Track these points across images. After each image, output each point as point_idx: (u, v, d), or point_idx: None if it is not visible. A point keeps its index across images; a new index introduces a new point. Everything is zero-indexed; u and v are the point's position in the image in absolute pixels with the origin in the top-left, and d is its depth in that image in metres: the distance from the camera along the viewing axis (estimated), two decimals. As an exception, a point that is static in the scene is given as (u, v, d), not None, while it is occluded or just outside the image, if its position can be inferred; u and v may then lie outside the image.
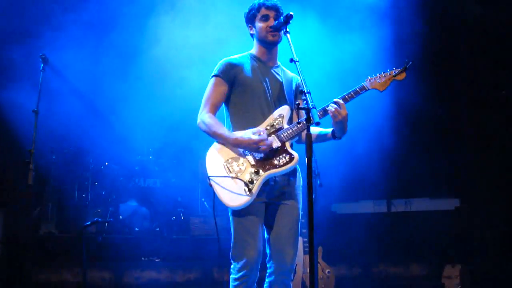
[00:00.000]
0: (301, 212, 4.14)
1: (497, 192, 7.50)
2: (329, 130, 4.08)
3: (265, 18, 4.15)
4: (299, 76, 3.60)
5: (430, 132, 8.25)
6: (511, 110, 7.43)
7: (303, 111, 3.42)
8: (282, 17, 3.91)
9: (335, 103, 3.88)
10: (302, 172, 4.17)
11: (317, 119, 3.28)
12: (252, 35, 4.32)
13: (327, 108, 3.89)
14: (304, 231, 6.49)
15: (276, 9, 4.16)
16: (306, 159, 3.29)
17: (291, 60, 3.68)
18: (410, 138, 8.27)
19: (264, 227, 4.07)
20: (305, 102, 3.41)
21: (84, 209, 8.10)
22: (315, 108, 3.37)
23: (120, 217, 7.99)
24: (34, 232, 7.39)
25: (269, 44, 4.21)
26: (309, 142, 3.29)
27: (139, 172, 8.42)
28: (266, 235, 4.09)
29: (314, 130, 4.12)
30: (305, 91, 3.44)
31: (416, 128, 8.25)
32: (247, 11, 4.27)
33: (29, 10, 7.72)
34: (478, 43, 7.84)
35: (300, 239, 6.59)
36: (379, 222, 8.45)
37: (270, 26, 4.09)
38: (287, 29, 3.86)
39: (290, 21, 3.86)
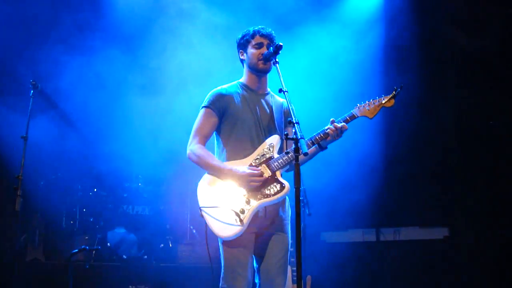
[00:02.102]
0: (290, 242, 4.13)
1: (486, 221, 7.51)
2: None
3: (259, 45, 4.19)
4: (289, 106, 3.64)
5: (419, 161, 8.28)
6: (499, 140, 7.48)
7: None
8: (271, 47, 3.97)
9: (337, 128, 3.97)
10: (290, 201, 4.18)
11: (305, 150, 3.31)
12: (242, 61, 4.34)
13: (326, 132, 3.96)
14: (292, 259, 6.46)
15: (270, 38, 4.21)
16: (295, 189, 3.30)
17: (280, 90, 3.72)
18: (398, 167, 8.29)
19: (254, 257, 4.07)
20: (294, 132, 3.43)
21: (72, 236, 8.03)
22: (303, 138, 3.39)
23: (108, 244, 7.92)
24: (20, 258, 7.31)
25: (259, 72, 4.23)
26: (297, 171, 3.30)
27: (128, 199, 8.38)
28: (255, 265, 4.09)
29: None
30: (294, 121, 3.47)
31: (405, 157, 8.28)
32: (240, 36, 4.31)
33: (20, 38, 7.76)
34: (466, 74, 7.91)
35: (289, 268, 6.56)
36: (368, 250, 8.42)
37: (262, 53, 4.13)
38: (277, 59, 3.90)
39: (280, 52, 3.91)
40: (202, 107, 4.19)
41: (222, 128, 4.19)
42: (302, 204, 6.31)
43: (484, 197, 7.57)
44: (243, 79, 4.36)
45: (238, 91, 4.26)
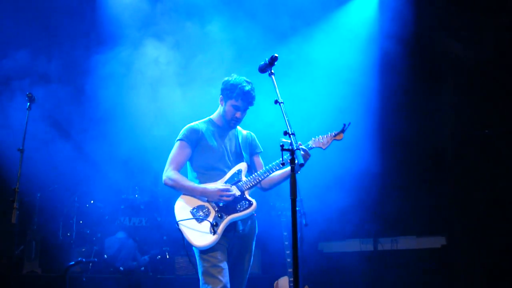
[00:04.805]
0: (252, 259, 4.66)
1: (483, 230, 7.51)
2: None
3: (237, 108, 4.61)
4: (284, 117, 3.70)
5: (416, 171, 8.29)
6: (495, 148, 7.50)
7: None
8: (267, 59, 4.01)
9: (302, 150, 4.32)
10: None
11: (301, 161, 3.36)
12: (220, 101, 4.74)
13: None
14: (290, 270, 6.45)
15: (250, 104, 4.64)
16: (291, 200, 3.32)
17: (276, 102, 3.78)
18: (395, 177, 8.29)
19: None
20: (289, 143, 3.48)
21: (69, 248, 7.99)
22: (300, 149, 3.43)
23: (105, 256, 7.88)
24: (17, 271, 7.29)
25: (227, 126, 4.72)
26: (293, 182, 3.32)
27: (125, 210, 8.34)
28: None
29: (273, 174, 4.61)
30: (290, 132, 3.52)
31: (402, 166, 8.29)
32: (227, 85, 4.64)
33: (15, 49, 7.78)
34: (462, 83, 7.94)
35: (287, 278, 6.56)
36: (366, 260, 8.41)
37: (237, 116, 4.61)
38: (272, 71, 3.95)
39: (275, 63, 3.95)
40: (177, 140, 4.66)
41: (195, 158, 4.67)
42: (299, 214, 6.31)
43: (481, 206, 7.57)
44: (214, 117, 4.84)
45: (209, 127, 4.75)
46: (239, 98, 4.56)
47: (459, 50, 7.94)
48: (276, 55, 3.96)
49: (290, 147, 3.46)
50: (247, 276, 4.64)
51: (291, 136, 3.53)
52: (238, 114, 4.62)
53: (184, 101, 7.81)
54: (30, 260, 7.63)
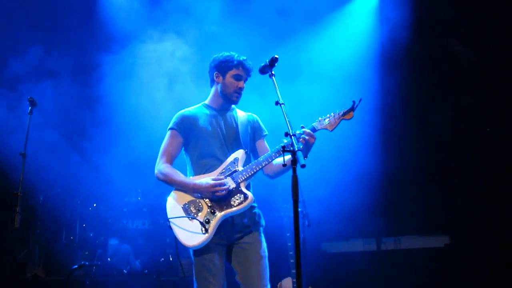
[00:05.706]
0: (264, 247, 4.29)
1: (486, 229, 7.50)
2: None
3: (239, 77, 4.34)
4: (285, 118, 3.67)
5: (419, 170, 8.28)
6: (497, 147, 7.49)
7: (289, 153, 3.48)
8: (267, 60, 3.99)
9: (306, 133, 4.05)
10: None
11: (302, 162, 3.33)
12: (213, 81, 4.47)
13: (299, 137, 4.03)
14: (293, 271, 6.45)
15: (249, 73, 4.38)
16: (293, 201, 3.32)
17: (277, 103, 3.76)
18: (398, 176, 8.28)
19: (233, 269, 4.23)
20: (291, 144, 3.47)
21: (72, 251, 7.99)
22: (301, 150, 3.42)
23: (108, 259, 7.88)
24: (21, 275, 7.29)
25: (230, 102, 4.42)
26: (295, 183, 3.32)
27: (127, 213, 8.34)
28: (236, 278, 4.21)
29: (275, 160, 4.27)
30: (291, 134, 3.51)
31: (404, 166, 8.28)
32: (221, 59, 4.40)
33: (18, 52, 7.79)
34: (464, 81, 7.93)
35: (290, 279, 6.56)
36: (369, 260, 8.40)
37: (240, 86, 4.32)
38: (273, 72, 3.93)
39: (276, 64, 3.93)
40: (168, 129, 4.39)
41: (190, 146, 4.37)
42: (301, 215, 6.32)
43: (484, 205, 7.56)
44: (208, 101, 4.52)
45: (203, 111, 4.45)
46: (240, 66, 4.32)
47: (460, 48, 7.93)
48: (277, 56, 3.92)
49: (291, 148, 3.44)
50: (267, 268, 4.26)
51: (292, 137, 3.51)
52: (241, 84, 4.34)
53: (197, 100, 7.80)
54: (33, 264, 7.63)
